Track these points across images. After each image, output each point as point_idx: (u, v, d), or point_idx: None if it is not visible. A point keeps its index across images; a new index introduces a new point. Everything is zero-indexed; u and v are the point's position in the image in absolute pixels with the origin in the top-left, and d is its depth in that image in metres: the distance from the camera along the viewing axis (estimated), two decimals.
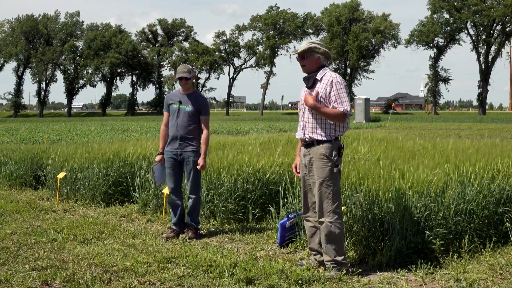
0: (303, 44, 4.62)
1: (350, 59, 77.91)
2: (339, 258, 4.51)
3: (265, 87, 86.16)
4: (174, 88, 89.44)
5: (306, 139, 4.57)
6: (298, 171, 4.86)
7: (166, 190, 6.50)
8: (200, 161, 5.88)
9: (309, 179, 4.61)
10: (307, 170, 4.59)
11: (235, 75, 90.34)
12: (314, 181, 4.52)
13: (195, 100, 5.94)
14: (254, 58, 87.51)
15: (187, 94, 6.00)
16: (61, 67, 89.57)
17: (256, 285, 4.28)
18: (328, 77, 4.52)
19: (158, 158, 6.14)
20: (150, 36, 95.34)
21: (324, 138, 4.48)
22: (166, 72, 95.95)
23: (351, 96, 61.79)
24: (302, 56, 4.61)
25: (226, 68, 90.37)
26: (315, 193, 4.53)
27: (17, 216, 6.92)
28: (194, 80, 6.25)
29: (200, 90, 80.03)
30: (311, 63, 4.59)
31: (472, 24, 73.29)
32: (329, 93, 4.46)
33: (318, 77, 4.56)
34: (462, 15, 70.99)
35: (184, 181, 6.13)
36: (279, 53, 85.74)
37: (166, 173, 6.10)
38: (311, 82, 4.58)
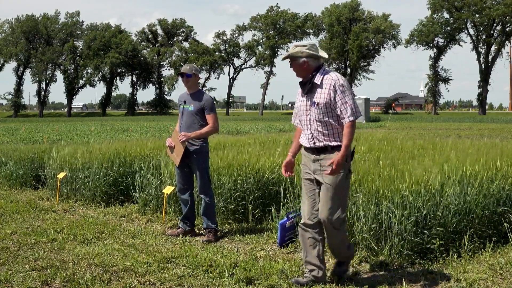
0: (290, 49, 4.36)
1: (350, 59, 77.95)
2: (348, 253, 4.50)
3: (265, 87, 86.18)
4: (174, 88, 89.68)
5: (320, 145, 4.25)
6: (287, 171, 4.60)
7: (166, 190, 6.51)
8: (186, 133, 5.83)
9: (313, 184, 4.34)
10: (318, 176, 4.25)
11: (235, 75, 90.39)
12: (324, 187, 4.21)
13: (197, 99, 5.94)
14: (254, 58, 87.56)
15: (191, 94, 6.01)
16: (61, 67, 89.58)
17: (256, 285, 4.28)
18: (330, 81, 4.19)
19: (167, 141, 6.13)
20: (150, 36, 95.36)
21: (340, 143, 4.20)
22: (166, 72, 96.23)
23: None
24: (291, 62, 4.35)
25: (226, 68, 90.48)
26: (322, 197, 4.22)
27: (17, 216, 6.93)
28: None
29: None
30: (298, 69, 4.30)
31: (472, 24, 73.34)
32: (334, 99, 4.16)
33: (317, 81, 4.23)
34: (462, 14, 71.03)
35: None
36: (279, 53, 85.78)
37: (175, 172, 6.12)
38: (307, 88, 4.27)
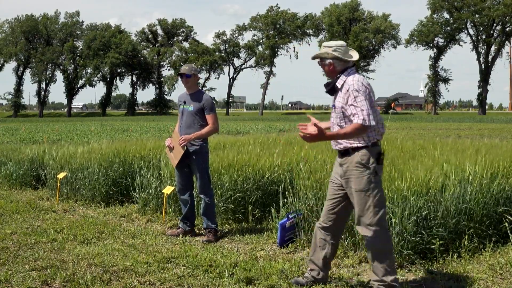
0: (320, 49, 4.27)
1: None
2: (389, 279, 3.97)
3: (265, 87, 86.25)
4: (174, 88, 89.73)
5: (340, 148, 4.11)
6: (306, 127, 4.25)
7: (166, 190, 6.51)
8: (186, 135, 5.83)
9: (337, 188, 4.20)
10: (344, 181, 4.11)
11: (235, 75, 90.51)
12: (351, 193, 4.05)
13: (197, 99, 5.93)
14: (254, 58, 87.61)
15: (191, 94, 6.00)
16: (61, 67, 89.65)
17: (256, 285, 4.28)
18: (346, 85, 4.02)
19: (167, 142, 6.14)
20: (150, 36, 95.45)
21: (359, 145, 4.00)
22: (166, 72, 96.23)
23: None
24: (319, 61, 4.23)
25: (226, 68, 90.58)
26: (354, 204, 4.07)
27: (17, 216, 6.92)
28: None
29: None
30: (326, 71, 4.19)
31: (472, 24, 73.42)
32: (346, 103, 4.00)
33: (339, 84, 4.09)
34: (462, 14, 71.10)
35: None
36: (279, 53, 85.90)
37: (175, 172, 6.13)
38: (330, 89, 4.15)
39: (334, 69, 4.13)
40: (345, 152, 4.07)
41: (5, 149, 10.94)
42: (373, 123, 3.90)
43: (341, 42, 4.19)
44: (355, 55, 4.16)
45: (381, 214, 3.99)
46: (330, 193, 4.28)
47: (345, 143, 4.06)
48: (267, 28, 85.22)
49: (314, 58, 4.25)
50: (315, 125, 3.97)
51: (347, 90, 4.00)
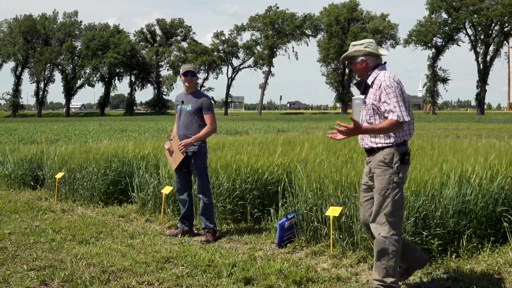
0: (349, 49, 4.19)
1: None
2: (388, 280, 3.93)
3: (263, 87, 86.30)
4: (173, 88, 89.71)
5: (366, 147, 4.09)
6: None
7: (165, 191, 6.50)
8: (186, 139, 5.84)
9: (367, 191, 4.17)
10: (368, 178, 4.11)
11: (233, 75, 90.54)
12: (373, 190, 4.05)
13: (195, 99, 5.94)
14: (253, 58, 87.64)
15: (189, 94, 6.01)
16: (59, 67, 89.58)
17: (255, 285, 4.28)
18: (377, 81, 3.97)
19: (166, 145, 6.14)
20: (148, 36, 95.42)
21: (385, 144, 3.96)
22: (164, 72, 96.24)
23: (349, 96, 61.70)
24: (349, 63, 4.19)
25: (224, 68, 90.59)
26: (374, 201, 4.03)
27: (16, 216, 6.92)
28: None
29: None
30: (358, 69, 4.12)
31: (470, 24, 73.58)
32: (379, 100, 3.94)
33: (369, 81, 4.03)
34: (460, 14, 71.22)
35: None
36: (277, 53, 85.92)
37: (173, 172, 6.13)
38: (362, 88, 4.08)
39: (367, 65, 4.08)
40: (371, 151, 4.06)
41: (3, 149, 10.93)
42: (407, 119, 3.87)
43: (370, 40, 4.17)
44: (384, 52, 4.14)
45: (398, 216, 3.95)
46: (361, 196, 4.26)
47: (370, 143, 4.04)
48: (265, 28, 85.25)
49: (345, 59, 4.18)
50: (351, 119, 3.90)
51: (379, 87, 3.94)
